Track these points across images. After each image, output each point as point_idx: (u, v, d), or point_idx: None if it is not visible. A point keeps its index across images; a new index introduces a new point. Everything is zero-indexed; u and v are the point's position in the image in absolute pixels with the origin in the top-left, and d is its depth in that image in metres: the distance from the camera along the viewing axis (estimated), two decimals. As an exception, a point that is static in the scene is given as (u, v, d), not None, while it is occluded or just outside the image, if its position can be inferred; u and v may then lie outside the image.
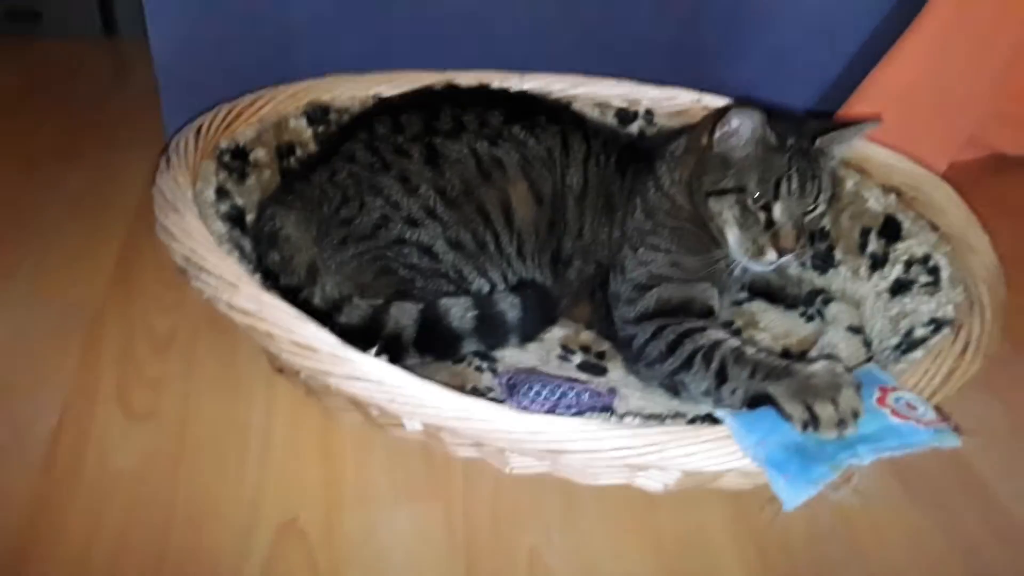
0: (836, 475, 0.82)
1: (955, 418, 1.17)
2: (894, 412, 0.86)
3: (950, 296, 1.07)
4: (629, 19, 1.61)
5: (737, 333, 1.27)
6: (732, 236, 1.12)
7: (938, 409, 0.90)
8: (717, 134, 1.11)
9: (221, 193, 1.18)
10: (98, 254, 1.42)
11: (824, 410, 0.87)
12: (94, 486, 1.02)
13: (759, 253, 1.09)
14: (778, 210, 1.09)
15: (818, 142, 1.11)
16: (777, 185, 1.08)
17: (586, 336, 1.25)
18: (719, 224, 1.13)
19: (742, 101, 1.09)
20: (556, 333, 1.25)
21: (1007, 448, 1.16)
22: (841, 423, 0.86)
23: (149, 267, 1.38)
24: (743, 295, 1.34)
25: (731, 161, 1.11)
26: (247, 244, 1.16)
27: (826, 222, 1.32)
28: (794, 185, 1.08)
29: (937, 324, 1.04)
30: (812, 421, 0.87)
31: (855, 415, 0.86)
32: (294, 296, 1.09)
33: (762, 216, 1.09)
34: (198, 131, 1.19)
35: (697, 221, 1.16)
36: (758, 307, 1.32)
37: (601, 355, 1.22)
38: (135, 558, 0.95)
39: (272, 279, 1.11)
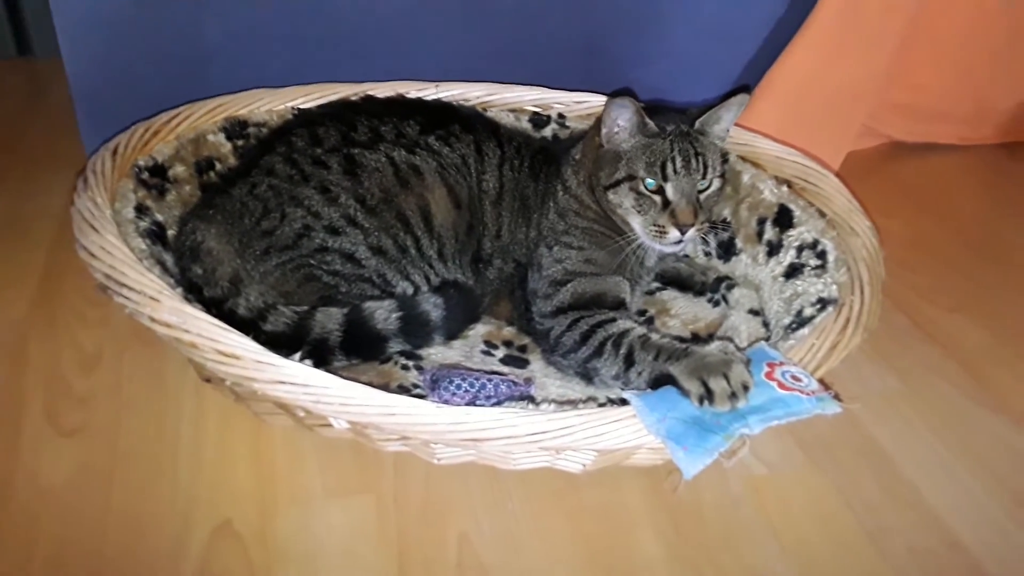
0: (729, 444, 0.89)
1: (854, 388, 1.28)
2: (781, 385, 0.94)
3: (835, 277, 1.17)
4: (540, 28, 1.67)
5: (650, 321, 1.35)
6: (636, 223, 1.19)
7: (822, 381, 0.98)
8: (603, 130, 1.19)
9: (141, 210, 1.19)
10: (21, 276, 1.43)
11: (718, 384, 0.95)
12: (27, 504, 1.04)
13: (662, 234, 1.16)
14: (670, 190, 1.16)
15: (696, 124, 1.19)
16: (663, 167, 1.15)
17: (508, 332, 1.31)
18: (622, 215, 1.20)
19: (616, 93, 1.16)
20: (480, 330, 1.30)
21: (901, 415, 1.26)
22: (733, 396, 0.94)
23: (72, 286, 1.39)
24: (655, 285, 1.42)
25: (621, 154, 1.18)
26: (169, 259, 1.18)
27: (727, 213, 1.40)
28: (679, 165, 1.15)
29: (823, 303, 1.13)
30: (707, 395, 0.95)
31: (746, 388, 0.94)
32: (218, 308, 1.12)
33: (657, 199, 1.17)
34: (114, 151, 1.21)
35: (604, 218, 1.23)
36: (669, 295, 1.41)
37: (523, 348, 1.28)
38: (73, 569, 0.97)
39: (196, 292, 1.14)
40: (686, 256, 1.46)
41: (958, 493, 1.13)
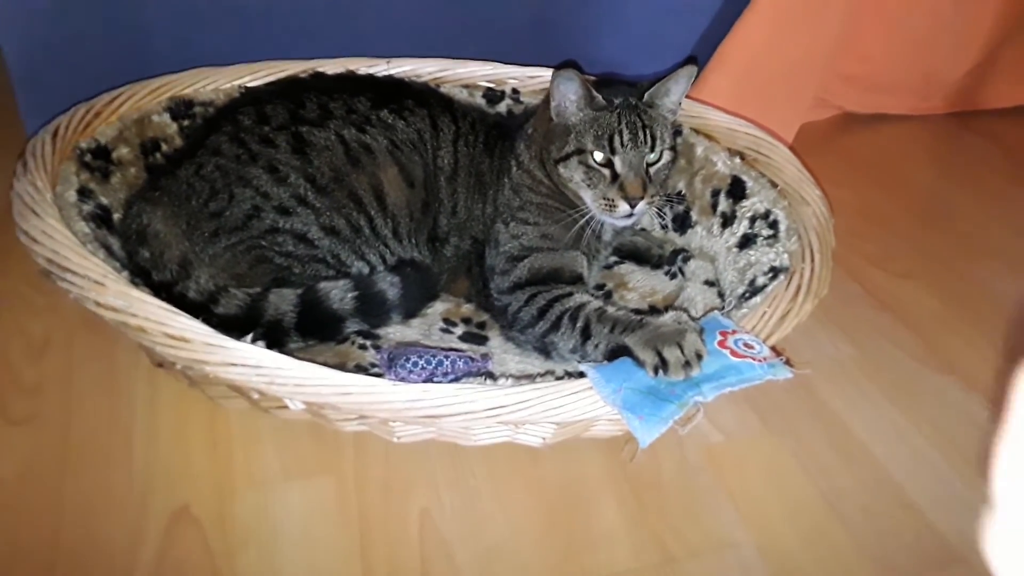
0: (683, 412, 0.90)
1: (808, 355, 1.30)
2: (733, 352, 0.95)
3: (786, 246, 1.18)
4: (493, 1, 1.65)
5: (609, 295, 1.36)
6: (587, 197, 1.19)
7: (774, 348, 0.99)
8: (552, 104, 1.19)
9: (84, 193, 1.16)
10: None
11: (672, 353, 0.96)
12: (-24, 498, 1.01)
13: (612, 207, 1.16)
14: (618, 163, 1.16)
15: (645, 97, 1.18)
16: (611, 140, 1.15)
17: (467, 309, 1.31)
18: (573, 189, 1.20)
19: (562, 66, 1.16)
20: (438, 308, 1.30)
21: (854, 380, 1.28)
22: (687, 365, 0.95)
23: (17, 273, 1.34)
24: (613, 259, 1.42)
25: (570, 127, 1.18)
26: (116, 243, 1.15)
27: (682, 185, 1.41)
28: (626, 138, 1.15)
29: (775, 272, 1.15)
30: (662, 365, 0.96)
31: (699, 356, 0.96)
32: (168, 292, 1.10)
33: (606, 172, 1.17)
34: (55, 133, 1.18)
35: (557, 193, 1.23)
36: (627, 269, 1.41)
37: (482, 325, 1.28)
38: (27, 563, 0.95)
39: (144, 277, 1.11)
40: (643, 230, 1.47)
41: (910, 455, 1.16)
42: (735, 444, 1.15)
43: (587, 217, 1.20)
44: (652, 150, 1.17)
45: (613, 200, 1.15)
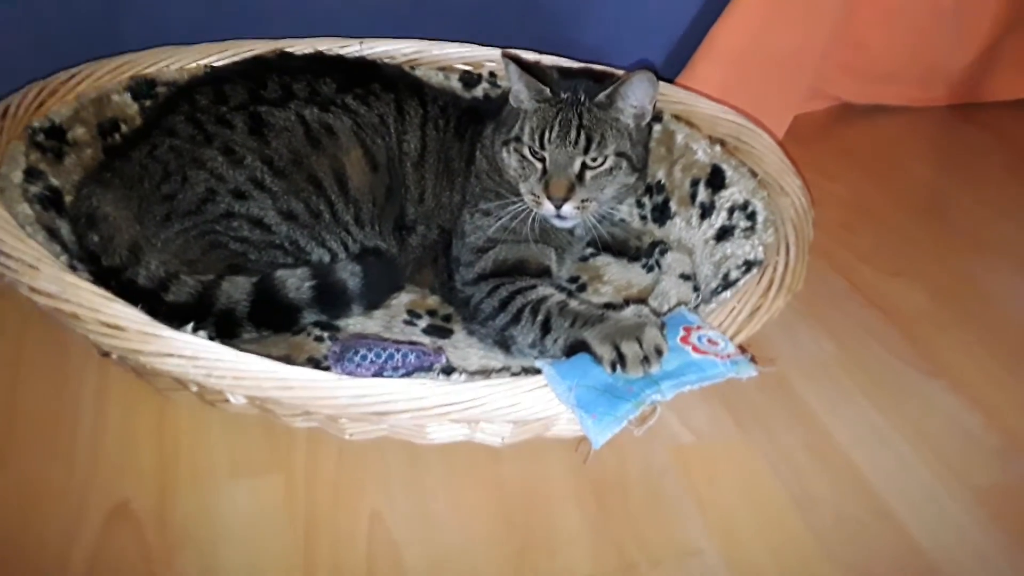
0: (639, 411, 0.85)
1: (789, 354, 1.25)
2: (695, 349, 0.90)
3: (762, 238, 1.12)
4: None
5: (583, 287, 1.31)
6: (521, 187, 1.15)
7: (741, 346, 0.94)
8: (508, 87, 1.15)
9: (33, 174, 1.12)
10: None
11: (630, 348, 0.91)
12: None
13: (538, 203, 1.12)
14: (548, 160, 1.12)
15: (599, 96, 1.12)
16: (542, 134, 1.11)
17: (432, 300, 1.26)
18: (511, 177, 1.16)
19: (507, 52, 1.12)
20: (403, 299, 1.25)
21: (835, 379, 1.23)
22: (646, 360, 0.90)
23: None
24: (589, 251, 1.37)
25: (520, 113, 1.14)
26: (65, 227, 1.11)
27: (661, 175, 1.36)
28: (555, 134, 1.10)
29: (749, 265, 1.09)
30: (620, 360, 0.91)
31: (659, 352, 0.90)
32: (117, 278, 1.06)
33: (538, 166, 1.13)
34: (4, 112, 1.13)
35: (506, 181, 1.19)
36: (602, 261, 1.36)
37: (447, 318, 1.23)
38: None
39: (94, 262, 1.07)
40: (622, 220, 1.42)
41: (890, 460, 1.10)
42: (705, 445, 1.10)
43: (527, 209, 1.15)
44: (586, 152, 1.11)
45: (538, 196, 1.12)
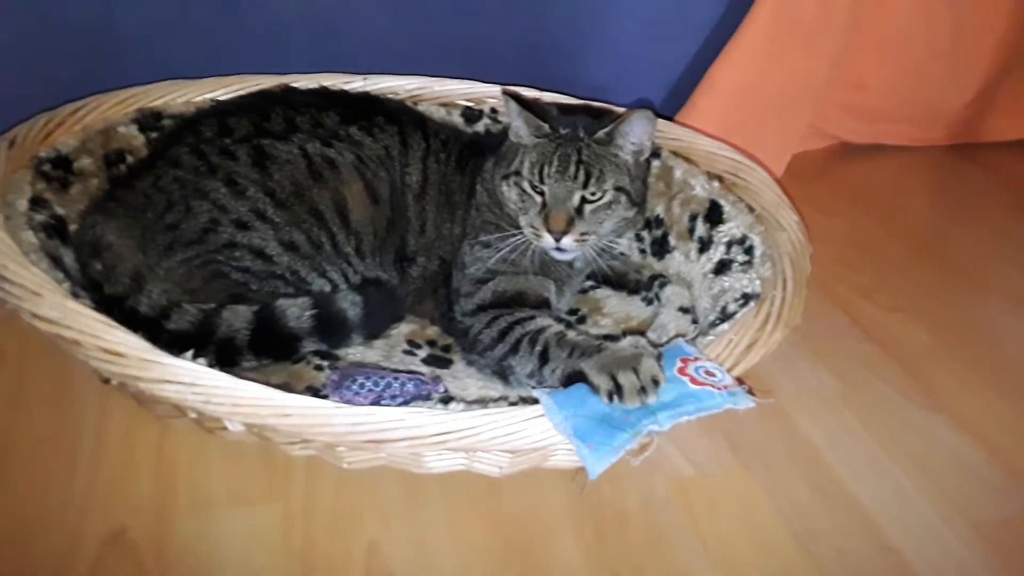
0: (636, 441, 0.85)
1: (790, 388, 1.25)
2: (693, 380, 0.90)
3: (760, 272, 1.13)
4: (476, 20, 1.63)
5: (582, 320, 1.31)
6: (521, 220, 1.17)
7: (739, 378, 0.94)
8: (511, 124, 1.17)
9: (38, 203, 1.13)
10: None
11: (627, 379, 0.91)
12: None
13: (537, 236, 1.14)
14: (547, 193, 1.14)
15: (599, 133, 1.15)
16: (542, 169, 1.13)
17: (432, 331, 1.26)
18: (512, 210, 1.18)
19: (507, 89, 1.15)
20: (403, 329, 1.26)
21: (836, 415, 1.22)
22: (643, 390, 0.90)
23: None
24: (589, 284, 1.38)
25: (520, 148, 1.17)
26: (69, 255, 1.12)
27: (660, 210, 1.37)
28: (555, 169, 1.13)
29: (747, 298, 1.10)
30: (617, 391, 0.91)
31: (656, 383, 0.91)
32: (119, 306, 1.06)
33: (538, 199, 1.15)
34: (12, 142, 1.15)
35: (506, 214, 1.20)
36: (602, 294, 1.37)
37: (447, 348, 1.23)
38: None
39: (96, 290, 1.08)
40: (622, 254, 1.42)
41: (891, 495, 1.09)
42: (706, 478, 1.10)
43: (527, 241, 1.17)
44: (585, 186, 1.13)
45: (538, 229, 1.14)
